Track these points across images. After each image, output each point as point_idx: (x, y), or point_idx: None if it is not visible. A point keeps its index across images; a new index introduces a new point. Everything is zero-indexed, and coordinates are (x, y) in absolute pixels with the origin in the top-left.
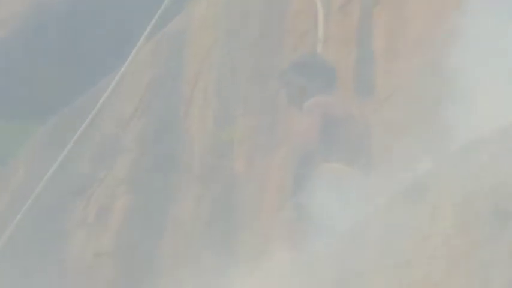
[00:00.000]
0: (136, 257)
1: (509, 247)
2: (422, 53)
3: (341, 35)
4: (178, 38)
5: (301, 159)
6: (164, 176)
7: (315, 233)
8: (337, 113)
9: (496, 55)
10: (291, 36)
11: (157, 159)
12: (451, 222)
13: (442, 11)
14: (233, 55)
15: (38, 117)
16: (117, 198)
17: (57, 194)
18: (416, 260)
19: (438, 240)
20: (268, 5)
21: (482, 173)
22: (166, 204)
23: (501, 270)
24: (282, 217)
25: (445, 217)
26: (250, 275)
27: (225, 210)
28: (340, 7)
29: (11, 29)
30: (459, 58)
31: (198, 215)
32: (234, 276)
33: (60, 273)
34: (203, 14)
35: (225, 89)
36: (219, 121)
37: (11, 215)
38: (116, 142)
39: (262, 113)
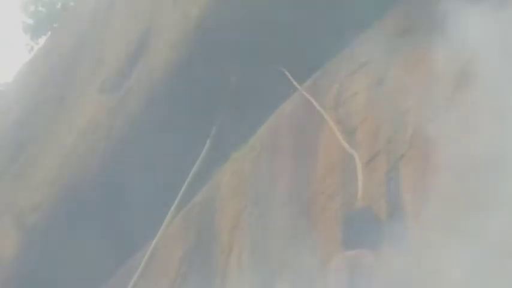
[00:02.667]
0: None
1: None
2: (453, 210)
3: (370, 191)
4: (207, 207)
5: None
6: None
7: None
8: (364, 265)
9: None
10: (319, 198)
11: None
12: None
13: (471, 164)
14: (264, 219)
15: None
16: None
17: None
18: None
19: None
20: (295, 168)
21: None
22: None
23: None
24: None
25: None
26: None
27: None
28: (366, 163)
29: (45, 213)
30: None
31: None
32: None
33: None
34: (229, 181)
35: (260, 255)
36: None
37: None
38: None
39: (299, 277)
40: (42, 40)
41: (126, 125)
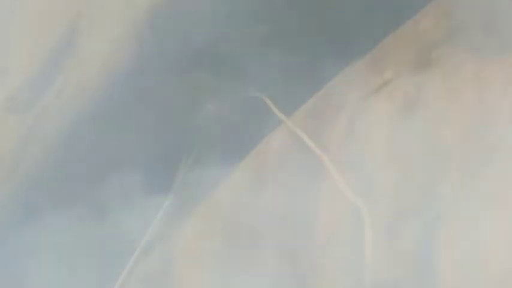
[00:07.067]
0: None
1: None
2: None
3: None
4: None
5: None
6: None
7: None
8: None
9: None
10: (319, 269)
11: None
12: None
13: None
14: None
15: None
16: None
17: None
18: None
19: None
20: (285, 229)
21: None
22: None
23: None
24: None
25: None
26: None
27: None
28: (389, 223)
29: None
30: None
31: None
32: None
33: None
34: (190, 248)
35: None
36: None
37: None
38: None
39: None
40: None
41: (40, 161)
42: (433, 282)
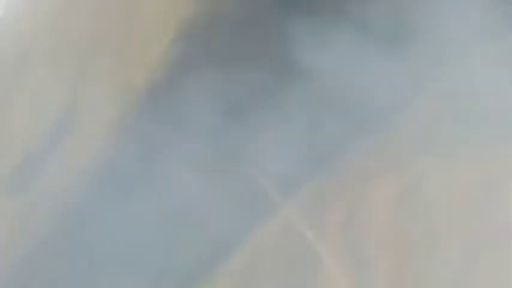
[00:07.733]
0: None
1: None
2: None
3: None
4: None
5: None
6: None
7: None
8: None
9: None
10: None
11: None
12: None
13: None
14: None
15: None
16: None
17: None
18: None
19: None
20: None
21: None
22: None
23: None
24: None
25: None
26: None
27: None
28: None
29: None
30: None
31: None
32: None
33: None
34: None
35: None
36: None
37: None
38: None
39: None
40: None
41: (36, 246)
42: None
